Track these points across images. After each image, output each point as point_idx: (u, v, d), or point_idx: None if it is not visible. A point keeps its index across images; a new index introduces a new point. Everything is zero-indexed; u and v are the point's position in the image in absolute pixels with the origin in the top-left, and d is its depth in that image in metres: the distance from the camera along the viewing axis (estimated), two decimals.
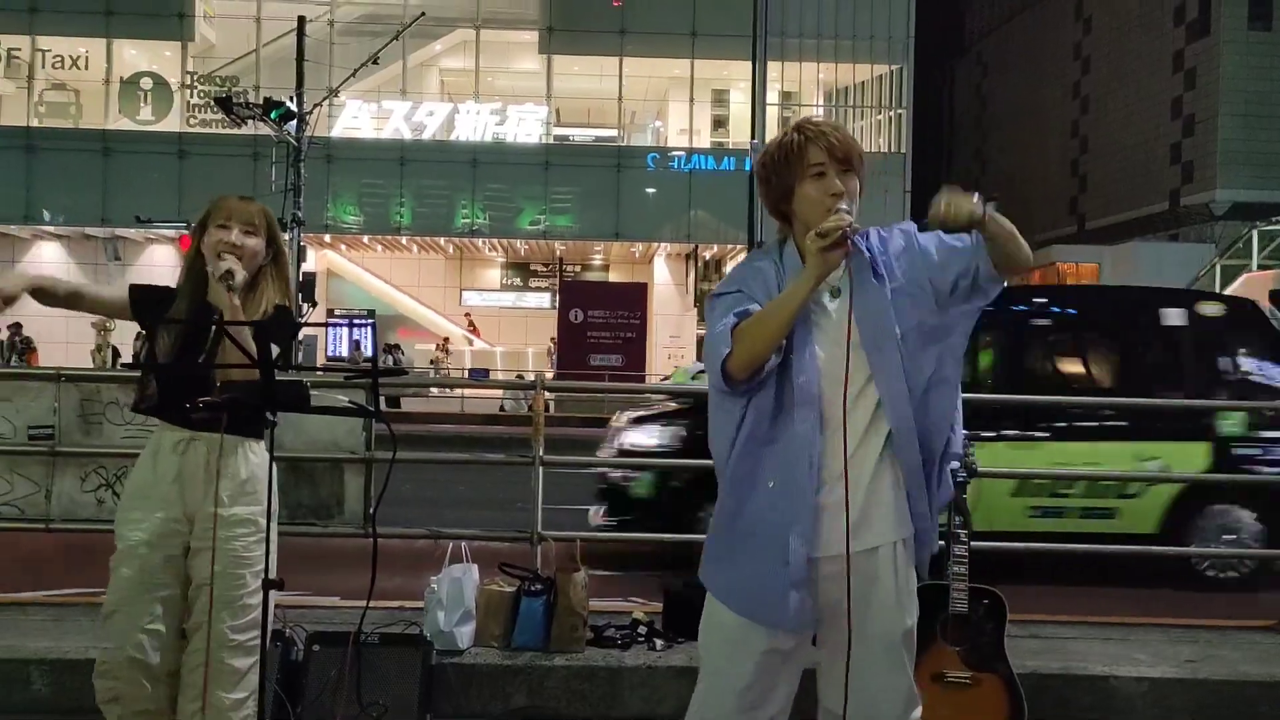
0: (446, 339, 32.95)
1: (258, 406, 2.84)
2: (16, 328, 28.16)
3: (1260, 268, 49.01)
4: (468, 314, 35.98)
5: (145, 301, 3.13)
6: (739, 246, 27.14)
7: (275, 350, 2.87)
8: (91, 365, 26.00)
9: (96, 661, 2.98)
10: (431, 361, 31.27)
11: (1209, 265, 54.61)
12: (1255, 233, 48.52)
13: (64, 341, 29.14)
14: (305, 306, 22.62)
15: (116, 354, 28.14)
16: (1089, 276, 63.17)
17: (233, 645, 3.01)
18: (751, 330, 2.34)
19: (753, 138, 25.67)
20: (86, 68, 32.99)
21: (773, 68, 33.49)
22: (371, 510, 4.87)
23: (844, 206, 2.36)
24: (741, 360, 2.34)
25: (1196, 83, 65.83)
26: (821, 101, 36.37)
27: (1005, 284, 2.50)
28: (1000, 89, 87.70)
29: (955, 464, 3.91)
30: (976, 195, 2.41)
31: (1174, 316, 7.49)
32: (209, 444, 2.99)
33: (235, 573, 3.02)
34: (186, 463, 2.99)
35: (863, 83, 35.87)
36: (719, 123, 37.23)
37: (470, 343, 34.82)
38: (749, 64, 26.42)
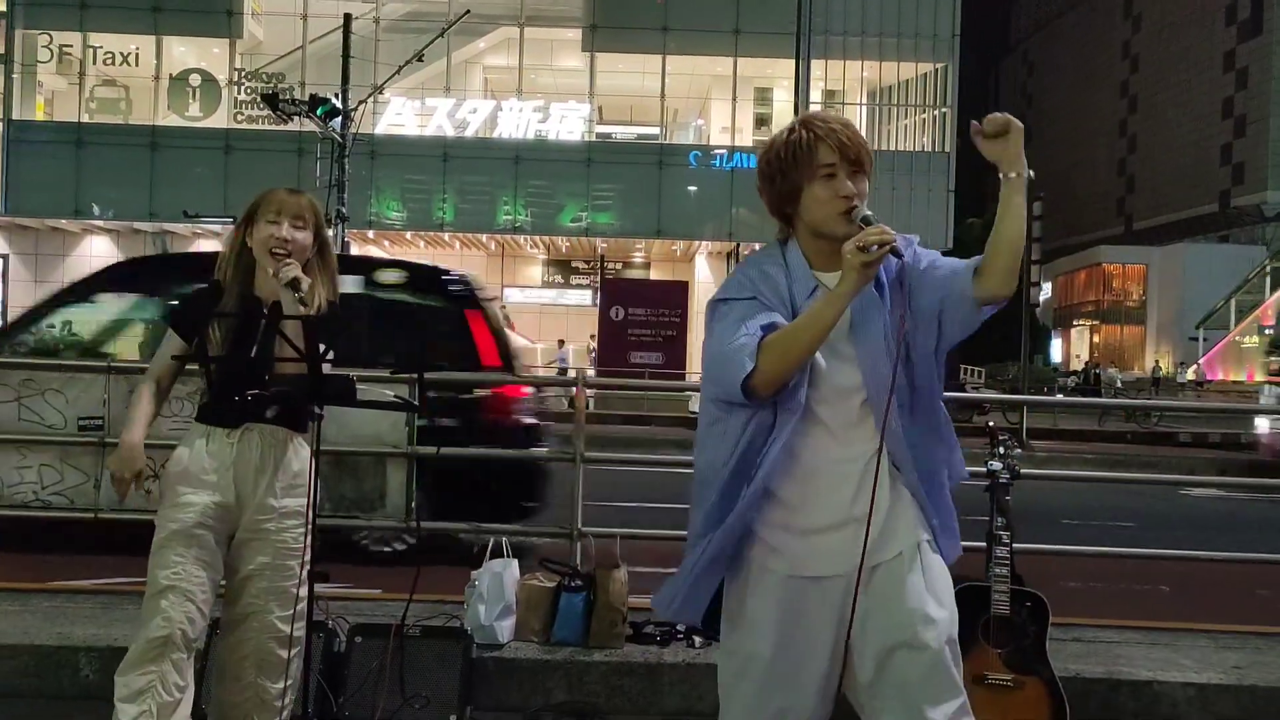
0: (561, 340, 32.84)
1: (305, 400, 2.87)
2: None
3: None
4: (503, 306, 36.07)
5: (189, 317, 3.10)
6: None
7: (326, 347, 2.89)
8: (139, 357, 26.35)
9: (133, 650, 2.90)
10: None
11: (1259, 267, 53.83)
12: None
13: None
14: None
15: None
16: (1135, 278, 62.47)
17: (281, 636, 3.04)
18: (781, 347, 2.21)
19: None
20: (136, 64, 33.48)
21: (816, 66, 33.44)
22: (415, 504, 4.91)
23: (867, 213, 2.24)
24: (769, 377, 2.21)
25: (1249, 83, 64.88)
26: (865, 100, 36.19)
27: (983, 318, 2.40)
28: (1046, 88, 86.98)
29: (997, 464, 3.90)
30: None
31: (350, 284, 7.18)
32: (262, 434, 3.02)
33: (285, 564, 3.06)
34: (241, 452, 3.00)
35: (907, 81, 35.66)
36: (761, 121, 37.15)
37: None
38: (792, 62, 26.45)
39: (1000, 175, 2.28)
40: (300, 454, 3.11)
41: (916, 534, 2.36)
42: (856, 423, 2.33)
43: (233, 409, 2.96)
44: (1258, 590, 6.81)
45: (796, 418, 2.28)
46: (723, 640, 2.47)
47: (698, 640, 4.40)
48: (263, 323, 2.99)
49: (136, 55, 33.45)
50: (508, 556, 4.55)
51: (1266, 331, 50.07)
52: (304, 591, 3.07)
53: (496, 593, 4.32)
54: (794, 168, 2.32)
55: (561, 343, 31.61)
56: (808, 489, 2.32)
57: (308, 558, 3.07)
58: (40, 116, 33.61)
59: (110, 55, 33.55)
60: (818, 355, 2.28)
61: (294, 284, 2.93)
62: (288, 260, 2.97)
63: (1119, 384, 35.55)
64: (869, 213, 2.23)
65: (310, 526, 3.02)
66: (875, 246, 2.13)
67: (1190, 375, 41.56)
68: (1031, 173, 2.29)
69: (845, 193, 2.28)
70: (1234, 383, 44.81)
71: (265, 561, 3.03)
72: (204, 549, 2.96)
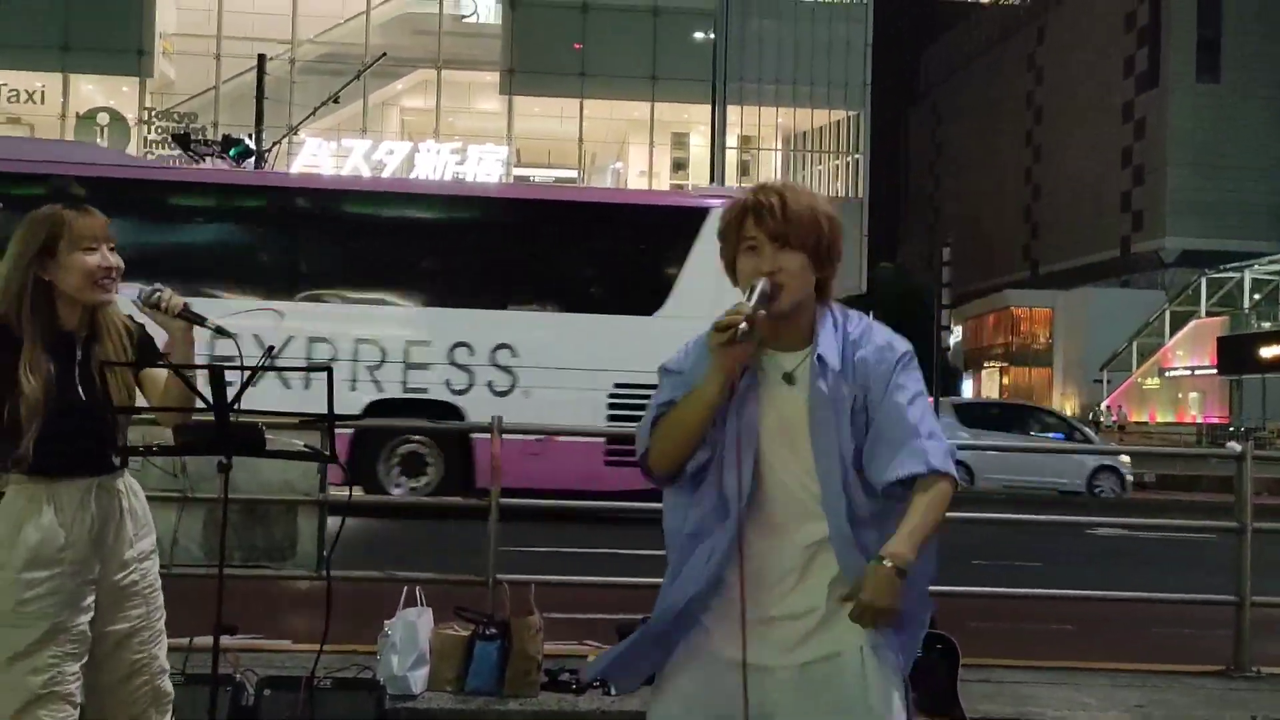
0: None
1: (212, 450, 2.81)
2: None
3: (1208, 314, 49.96)
4: None
5: None
6: None
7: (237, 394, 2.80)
8: None
9: None
10: None
11: (1159, 311, 55.55)
12: (1204, 280, 49.50)
13: None
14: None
15: None
16: (1042, 321, 64.05)
17: (166, 669, 2.88)
18: (665, 430, 2.19)
19: (712, 180, 25.95)
20: (43, 102, 32.79)
21: (732, 111, 33.91)
22: (327, 552, 4.83)
23: (760, 285, 2.12)
24: (658, 459, 2.20)
25: (1146, 133, 67.26)
26: (780, 145, 36.81)
27: None
28: (955, 136, 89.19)
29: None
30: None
31: None
32: (105, 486, 2.74)
33: (156, 604, 2.87)
34: (96, 514, 2.71)
35: (820, 128, 36.39)
36: (679, 165, 37.55)
37: None
38: (708, 107, 26.79)
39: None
40: (136, 491, 2.87)
41: (860, 637, 2.17)
42: (805, 519, 2.20)
43: (80, 460, 2.68)
44: (1156, 628, 6.98)
45: (742, 504, 2.17)
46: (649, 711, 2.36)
47: (613, 688, 4.37)
48: (78, 360, 2.70)
49: (43, 93, 32.79)
50: (420, 605, 4.50)
51: (1167, 374, 51.62)
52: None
53: (410, 642, 4.28)
54: (724, 239, 2.27)
55: None
56: (752, 579, 2.18)
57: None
58: None
59: (15, 93, 32.83)
60: (770, 447, 2.19)
61: (188, 312, 2.72)
62: (157, 288, 2.73)
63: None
64: (758, 283, 2.13)
65: (220, 577, 2.94)
66: (733, 328, 2.04)
67: (1114, 418, 42.64)
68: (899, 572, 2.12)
69: (763, 270, 2.16)
70: (1160, 424, 46.04)
71: (140, 613, 2.81)
72: (76, 641, 2.66)
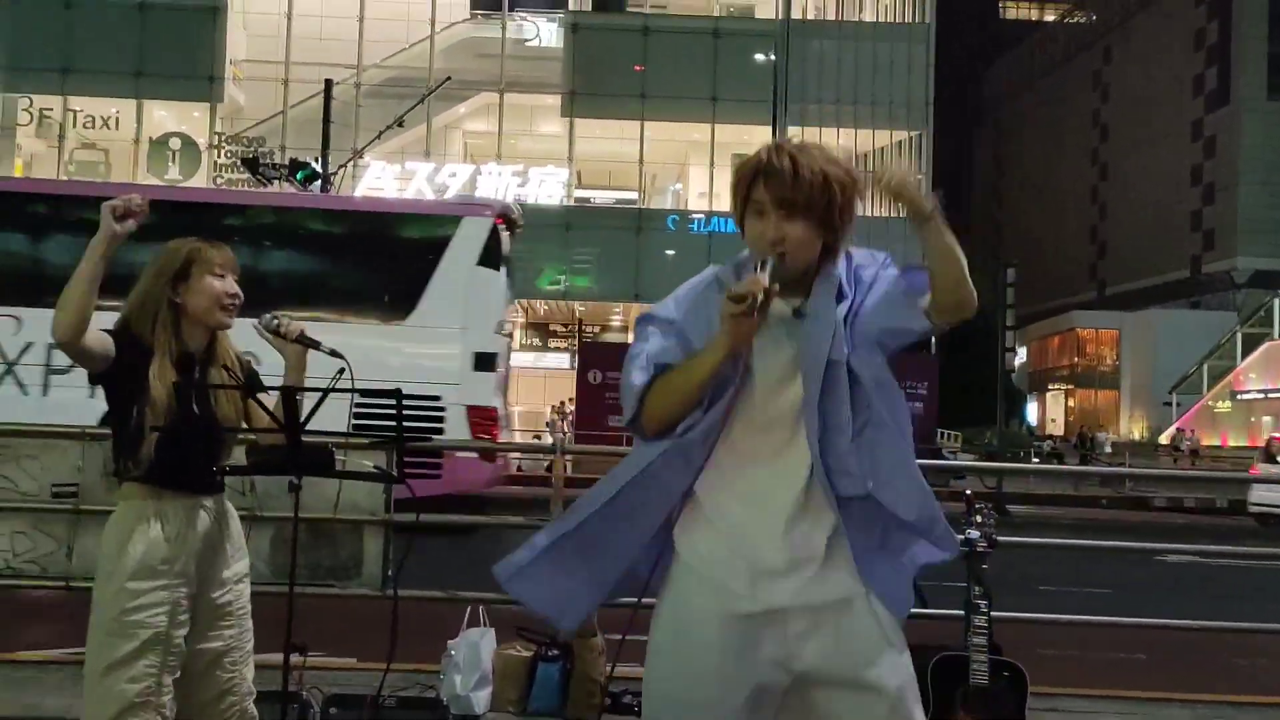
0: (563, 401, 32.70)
1: (283, 470, 2.86)
2: None
3: None
4: None
5: (126, 349, 2.85)
6: None
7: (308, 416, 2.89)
8: None
9: None
10: (547, 424, 30.79)
11: (1230, 333, 54.42)
12: (1277, 301, 48.41)
13: None
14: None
15: None
16: (1109, 343, 63.02)
17: (251, 692, 3.00)
18: (663, 392, 2.15)
19: None
20: (116, 127, 33.62)
21: (792, 132, 33.85)
22: (392, 572, 4.87)
23: (769, 261, 2.09)
24: (652, 421, 2.17)
25: (1216, 151, 66.09)
26: None
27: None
28: (1019, 155, 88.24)
29: (975, 533, 3.92)
30: (929, 194, 2.19)
31: None
32: (207, 507, 2.90)
33: (246, 625, 3.01)
34: (201, 531, 2.86)
35: (882, 148, 36.16)
36: None
37: None
38: (768, 128, 26.78)
39: (925, 221, 2.18)
40: (235, 517, 3.04)
41: (858, 585, 2.18)
42: (790, 453, 2.18)
43: (181, 479, 2.83)
44: (1234, 659, 6.81)
45: (720, 442, 2.15)
46: (653, 680, 2.28)
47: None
48: (195, 378, 2.88)
49: (117, 119, 33.60)
50: (484, 624, 4.52)
51: (1239, 397, 50.51)
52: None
53: (473, 662, 4.30)
54: (735, 193, 2.23)
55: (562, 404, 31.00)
56: (739, 514, 2.17)
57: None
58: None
59: (90, 119, 33.70)
60: (760, 383, 2.17)
61: (304, 337, 2.95)
62: (276, 316, 2.95)
63: (1108, 448, 35.66)
64: (771, 259, 2.10)
65: (290, 597, 2.99)
66: (751, 298, 2.02)
67: (1186, 441, 41.82)
68: (934, 200, 2.19)
69: (769, 236, 2.15)
70: (1232, 448, 45.00)
71: (233, 634, 2.95)
72: (175, 654, 2.79)
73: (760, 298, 2.02)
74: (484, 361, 11.61)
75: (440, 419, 10.89)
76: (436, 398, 10.83)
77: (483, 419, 11.33)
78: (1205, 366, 53.58)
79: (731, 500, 2.19)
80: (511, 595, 2.38)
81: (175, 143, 33.30)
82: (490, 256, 11.88)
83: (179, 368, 2.85)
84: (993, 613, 3.81)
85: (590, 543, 2.25)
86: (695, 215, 33.83)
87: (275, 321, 2.94)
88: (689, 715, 2.20)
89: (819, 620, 2.15)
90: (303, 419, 2.86)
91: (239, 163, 27.86)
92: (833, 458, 2.15)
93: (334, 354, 2.95)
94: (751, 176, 2.19)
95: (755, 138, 34.63)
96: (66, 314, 2.66)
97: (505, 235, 12.38)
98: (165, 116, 34.23)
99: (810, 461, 2.16)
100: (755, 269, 2.10)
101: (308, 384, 2.96)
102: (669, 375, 2.16)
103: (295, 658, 3.03)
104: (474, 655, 4.31)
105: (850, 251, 2.28)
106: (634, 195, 35.38)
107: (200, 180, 32.89)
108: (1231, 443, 47.02)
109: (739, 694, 2.15)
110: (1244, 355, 51.88)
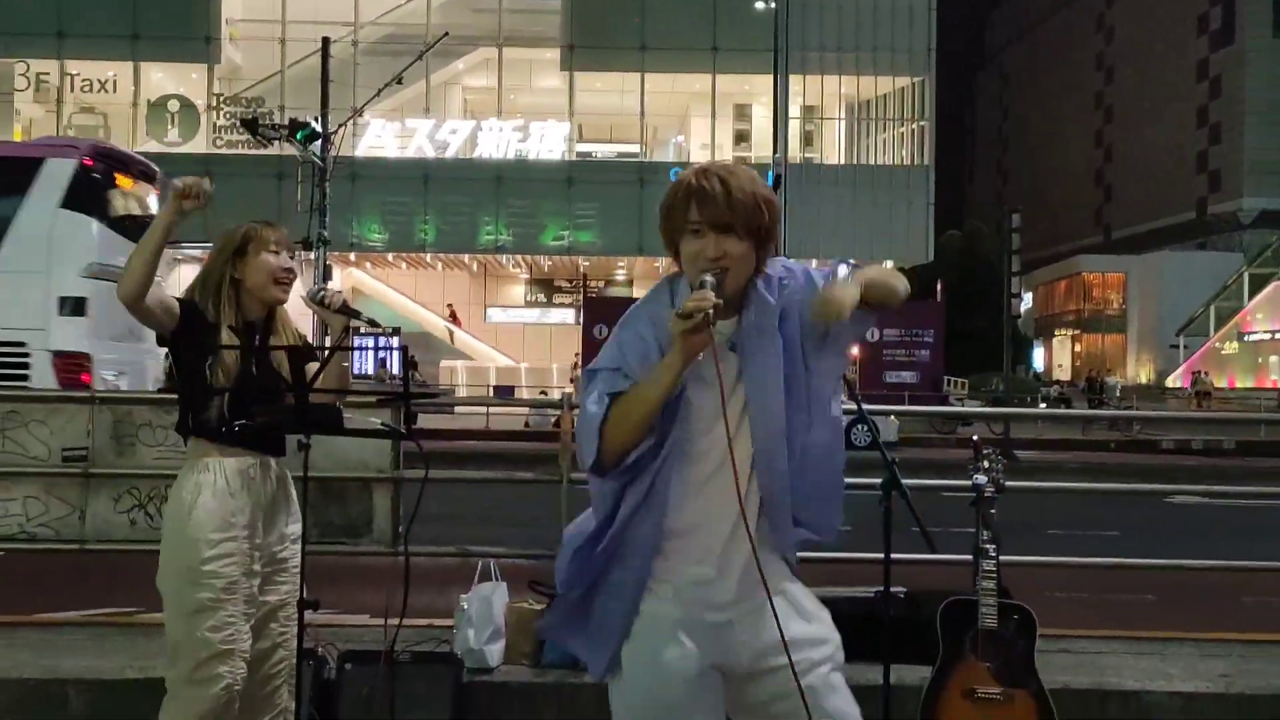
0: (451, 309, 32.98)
1: (293, 429, 2.89)
2: None
3: None
4: (449, 305, 36.01)
5: (190, 317, 3.07)
6: None
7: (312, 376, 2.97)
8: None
9: (190, 709, 2.93)
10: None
11: (1237, 274, 54.22)
12: None
13: None
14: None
15: None
16: (1115, 287, 62.84)
17: (296, 652, 3.21)
18: (619, 417, 2.20)
19: (775, 151, 25.76)
20: (114, 91, 33.44)
21: (794, 81, 33.60)
22: (403, 529, 4.90)
23: (709, 279, 2.16)
24: (610, 448, 2.21)
25: (1221, 91, 65.50)
26: (843, 114, 36.38)
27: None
28: (1022, 100, 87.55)
29: (982, 478, 3.92)
30: (843, 268, 2.32)
31: None
32: (269, 466, 3.10)
33: (295, 584, 3.20)
34: (266, 488, 3.07)
35: (884, 95, 35.88)
36: (741, 137, 37.31)
37: (452, 335, 35.01)
38: (770, 78, 26.57)
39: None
40: (290, 480, 3.22)
41: (784, 583, 2.37)
42: (736, 472, 2.24)
43: (253, 436, 3.02)
44: (1243, 597, 6.85)
45: (679, 465, 2.26)
46: (621, 690, 2.42)
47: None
48: (255, 348, 3.10)
49: (114, 82, 33.39)
50: (495, 579, 4.54)
51: (1246, 338, 50.40)
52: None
53: (485, 616, 4.32)
54: (669, 218, 2.32)
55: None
56: (691, 531, 2.29)
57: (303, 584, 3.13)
58: None
59: (88, 82, 33.50)
60: (697, 399, 2.25)
61: (346, 307, 3.14)
62: (322, 288, 3.19)
63: (1118, 392, 35.60)
64: (708, 278, 2.16)
65: (302, 554, 3.06)
66: (701, 313, 2.07)
67: (1202, 385, 41.73)
68: (854, 269, 2.34)
69: (707, 254, 2.22)
70: (1240, 389, 44.92)
71: (288, 589, 3.14)
72: (248, 602, 3.00)
73: (710, 311, 2.08)
74: (71, 306, 11.42)
75: (25, 364, 10.80)
76: (21, 344, 10.77)
77: (71, 365, 11.19)
78: (1212, 308, 53.44)
79: (679, 527, 2.29)
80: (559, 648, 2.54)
81: (174, 105, 33.13)
82: (77, 198, 11.61)
83: (241, 336, 3.08)
84: (1001, 557, 3.82)
85: (595, 608, 2.39)
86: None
87: (321, 293, 3.15)
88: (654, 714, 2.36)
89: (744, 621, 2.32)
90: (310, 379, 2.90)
91: (238, 124, 27.71)
92: (775, 481, 2.29)
93: (371, 323, 3.23)
94: (686, 199, 2.27)
95: (756, 87, 34.42)
96: (129, 278, 2.89)
97: (103, 176, 11.99)
98: (163, 78, 34.01)
99: (752, 487, 2.29)
100: (696, 287, 2.16)
101: None
102: (623, 401, 2.20)
103: (312, 615, 3.06)
104: (486, 609, 4.33)
105: (767, 268, 2.35)
106: (636, 148, 35.19)
107: (200, 142, 32.76)
108: (1239, 384, 47.00)
109: (687, 690, 2.31)
110: (1251, 296, 51.72)
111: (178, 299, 3.07)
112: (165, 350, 3.21)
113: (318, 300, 3.14)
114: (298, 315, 3.35)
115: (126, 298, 2.89)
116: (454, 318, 35.77)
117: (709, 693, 2.36)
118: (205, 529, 2.93)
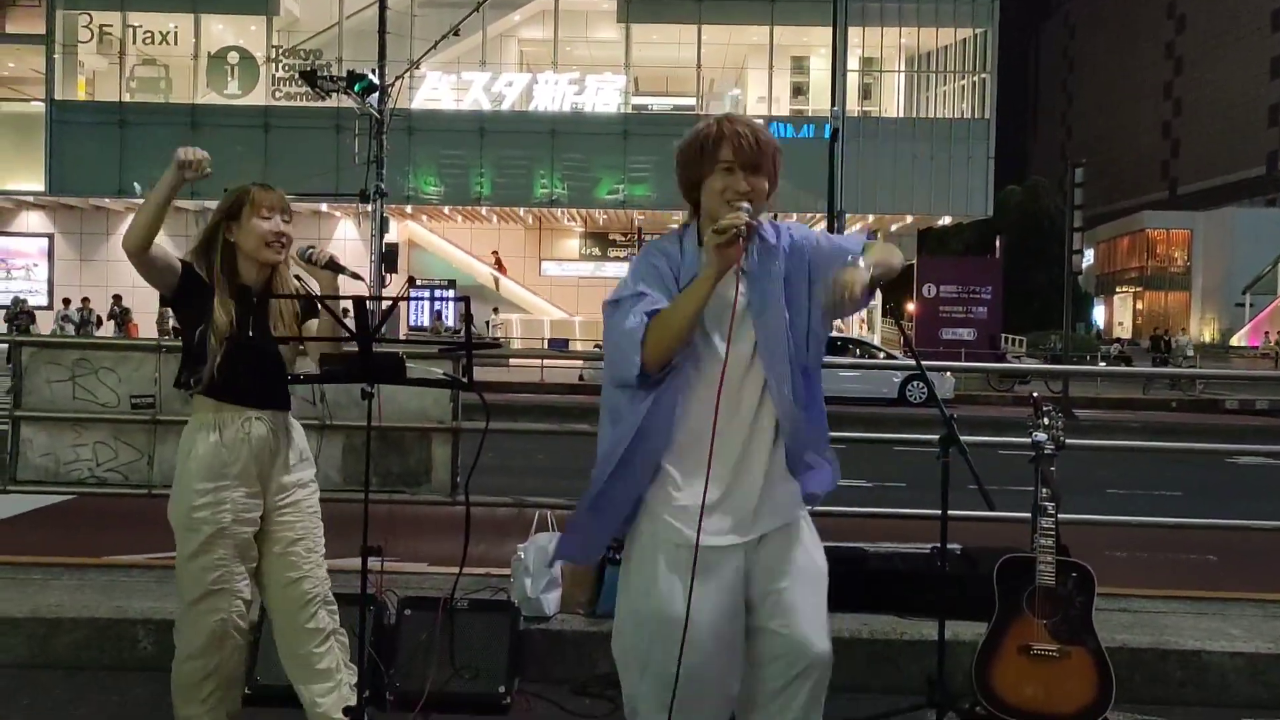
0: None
1: (356, 378, 2.94)
2: (117, 299, 29.10)
3: None
4: (495, 252, 36.09)
5: (189, 278, 3.18)
6: (819, 215, 26.86)
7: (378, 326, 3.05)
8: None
9: (185, 644, 3.16)
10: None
11: None
12: None
13: (155, 312, 29.97)
14: (388, 276, 22.94)
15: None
16: (1180, 244, 61.59)
17: (326, 596, 3.31)
18: (660, 328, 2.46)
19: (833, 105, 25.40)
20: (175, 43, 33.70)
21: (853, 33, 33.07)
22: (462, 479, 4.96)
23: (745, 205, 2.48)
24: (654, 357, 2.46)
25: None
26: (903, 67, 35.79)
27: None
28: (1088, 51, 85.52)
29: (1042, 436, 3.89)
30: (861, 262, 2.56)
31: None
32: (264, 419, 3.19)
33: (315, 526, 3.31)
34: (256, 439, 3.16)
35: (945, 47, 35.20)
36: (798, 90, 36.84)
37: (497, 283, 35.18)
38: (829, 30, 26.11)
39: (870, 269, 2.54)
40: (299, 430, 3.35)
41: (796, 510, 2.65)
42: (746, 394, 2.57)
43: (238, 392, 3.14)
44: None
45: (692, 392, 2.53)
46: (624, 611, 2.64)
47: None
48: (253, 308, 3.19)
49: (175, 34, 33.66)
50: (552, 530, 4.59)
51: None
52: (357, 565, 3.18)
53: (541, 566, 4.37)
54: (698, 159, 2.59)
55: None
56: (699, 456, 2.49)
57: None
58: (82, 96, 33.93)
59: (149, 34, 33.78)
60: (714, 333, 2.53)
61: (333, 263, 3.19)
62: (311, 245, 3.24)
63: (1190, 351, 34.87)
64: (746, 205, 2.48)
65: (365, 502, 3.13)
66: (730, 230, 2.39)
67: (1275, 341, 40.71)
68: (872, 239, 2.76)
69: (738, 188, 2.53)
70: None
71: (303, 527, 3.26)
72: (241, 546, 3.16)
73: (744, 227, 2.40)
74: None
75: None
76: None
77: None
78: None
79: (691, 441, 2.54)
80: (558, 558, 2.88)
81: (233, 57, 33.37)
82: None
83: (236, 298, 3.16)
84: (1060, 515, 3.80)
85: (607, 500, 2.61)
86: (755, 120, 33.31)
87: (310, 250, 3.20)
88: (662, 634, 2.53)
89: (758, 548, 2.60)
90: (374, 328, 2.93)
91: (297, 76, 27.85)
92: (784, 405, 2.57)
93: (355, 276, 3.31)
94: (717, 142, 2.57)
95: (815, 39, 33.91)
96: (133, 230, 2.99)
97: None
98: (223, 30, 34.23)
99: (771, 412, 2.58)
100: (733, 211, 2.47)
101: None
102: (661, 316, 2.47)
103: (372, 561, 3.12)
104: (543, 559, 4.38)
105: (776, 222, 2.71)
106: (692, 101, 34.87)
107: (260, 94, 33.00)
108: None
109: (701, 613, 2.51)
110: None
111: (180, 260, 3.16)
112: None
113: (306, 258, 3.21)
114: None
115: (129, 248, 2.99)
116: (499, 265, 35.84)
117: (727, 623, 2.56)
118: (196, 479, 3.11)
